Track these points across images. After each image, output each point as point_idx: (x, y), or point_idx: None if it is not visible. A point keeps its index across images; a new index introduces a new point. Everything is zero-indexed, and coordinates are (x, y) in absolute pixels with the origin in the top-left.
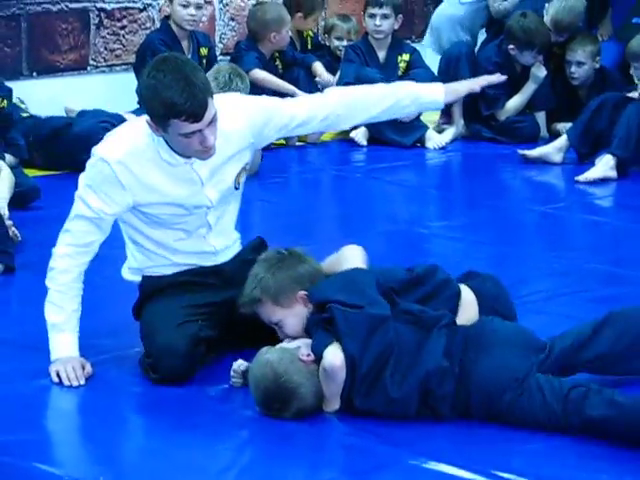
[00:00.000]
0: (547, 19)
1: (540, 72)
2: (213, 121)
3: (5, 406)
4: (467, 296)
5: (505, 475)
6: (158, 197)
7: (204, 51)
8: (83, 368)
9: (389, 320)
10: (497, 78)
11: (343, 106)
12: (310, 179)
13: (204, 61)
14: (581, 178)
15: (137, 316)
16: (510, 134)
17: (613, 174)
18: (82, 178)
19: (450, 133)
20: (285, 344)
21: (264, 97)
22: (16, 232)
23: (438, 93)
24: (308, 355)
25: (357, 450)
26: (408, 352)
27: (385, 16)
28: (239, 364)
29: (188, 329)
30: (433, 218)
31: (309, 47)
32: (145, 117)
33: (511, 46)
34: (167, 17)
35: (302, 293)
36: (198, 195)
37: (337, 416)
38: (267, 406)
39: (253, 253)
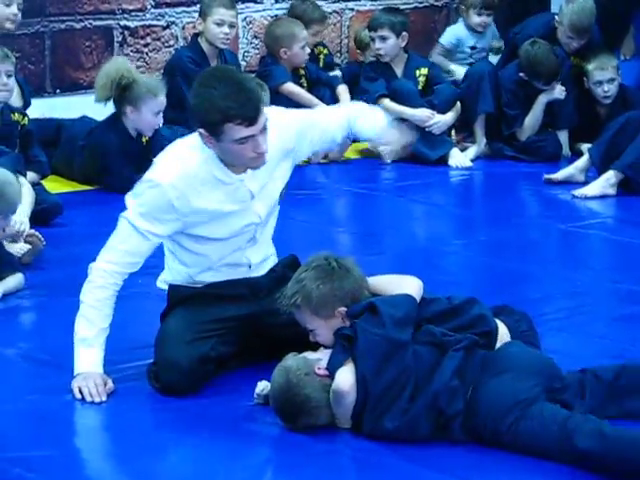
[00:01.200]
0: (564, 26)
1: (550, 95)
2: (265, 128)
3: (28, 422)
4: (502, 333)
5: None
6: (210, 217)
7: None
8: (105, 384)
9: (408, 345)
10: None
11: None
12: (334, 197)
13: None
14: (577, 193)
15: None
16: (532, 153)
17: (612, 191)
18: (132, 201)
19: (472, 151)
20: (308, 354)
21: (298, 111)
22: (40, 237)
23: (378, 129)
24: (320, 368)
25: (372, 466)
26: (424, 375)
27: (383, 38)
28: (262, 388)
29: (198, 348)
30: (456, 236)
31: (321, 66)
32: (194, 135)
33: (521, 73)
34: (197, 34)
35: (342, 309)
36: (248, 211)
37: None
38: (278, 414)
39: (285, 269)
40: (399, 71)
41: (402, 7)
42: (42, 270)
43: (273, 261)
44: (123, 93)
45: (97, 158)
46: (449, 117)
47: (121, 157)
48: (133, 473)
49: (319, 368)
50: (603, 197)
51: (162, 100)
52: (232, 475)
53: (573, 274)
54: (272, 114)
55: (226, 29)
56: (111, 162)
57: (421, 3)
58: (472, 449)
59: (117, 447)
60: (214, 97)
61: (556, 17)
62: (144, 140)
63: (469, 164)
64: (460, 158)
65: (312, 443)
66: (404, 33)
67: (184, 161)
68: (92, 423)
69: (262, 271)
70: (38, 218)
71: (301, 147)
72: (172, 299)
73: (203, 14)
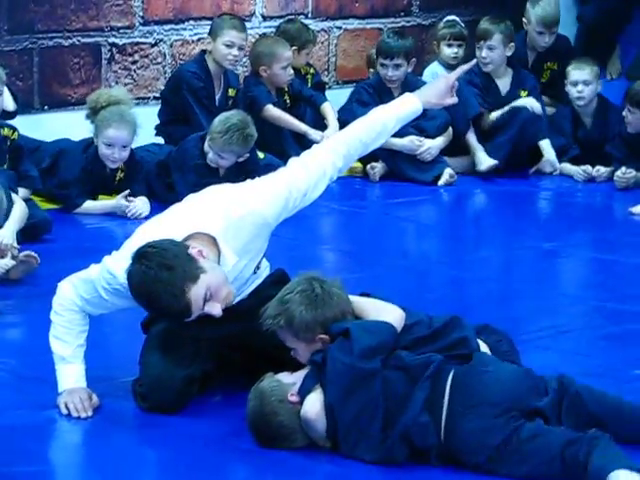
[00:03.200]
0: (533, 23)
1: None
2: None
3: (13, 437)
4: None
5: None
6: None
7: (232, 92)
8: (90, 399)
9: (376, 374)
10: (469, 66)
11: (342, 159)
12: (320, 214)
13: (230, 102)
14: (636, 210)
15: (146, 332)
16: None
17: None
18: (99, 273)
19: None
20: (284, 376)
21: (275, 186)
22: (36, 257)
23: (414, 103)
24: (295, 397)
25: None
26: (395, 404)
27: (397, 66)
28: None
29: (183, 369)
30: (441, 254)
31: (309, 86)
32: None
33: None
34: (204, 51)
35: (324, 337)
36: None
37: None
38: (254, 437)
39: (273, 287)
40: (397, 93)
41: (390, 26)
42: (31, 285)
43: (260, 280)
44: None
45: (58, 170)
46: (439, 141)
47: (78, 177)
48: None
49: (292, 395)
50: None
51: (114, 133)
52: None
53: (559, 292)
54: (247, 209)
55: (235, 51)
56: (64, 175)
57: (409, 22)
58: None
59: (102, 463)
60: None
61: (524, 20)
62: (120, 167)
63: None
64: (448, 176)
65: (293, 459)
66: (413, 59)
67: None
68: (77, 439)
69: (245, 295)
70: (28, 233)
71: (281, 218)
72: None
73: (214, 34)
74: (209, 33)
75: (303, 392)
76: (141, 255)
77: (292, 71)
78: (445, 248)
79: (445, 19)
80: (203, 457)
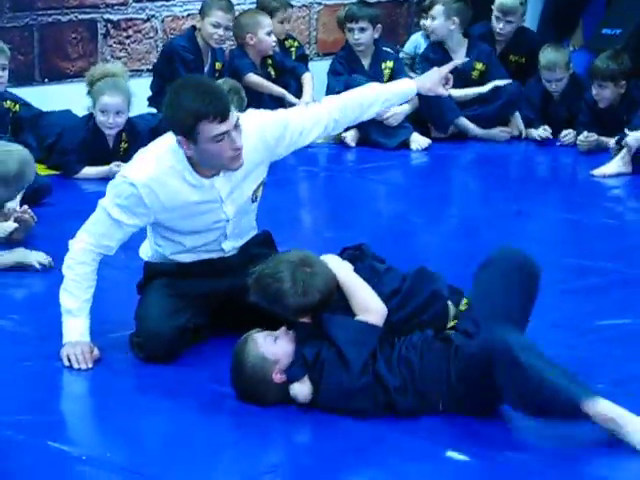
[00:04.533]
0: (494, 8)
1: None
2: (238, 126)
3: (19, 387)
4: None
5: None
6: (179, 216)
7: (219, 66)
8: (91, 352)
9: (368, 391)
10: (460, 62)
11: (339, 112)
12: (300, 178)
13: (217, 75)
14: (597, 172)
15: (141, 293)
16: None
17: (628, 169)
18: (110, 192)
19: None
20: (267, 345)
21: (275, 113)
22: (32, 214)
23: (410, 83)
24: (280, 376)
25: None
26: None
27: (362, 29)
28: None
29: (177, 320)
30: (415, 214)
31: (294, 59)
32: (170, 139)
33: None
34: (193, 27)
35: (305, 320)
36: (217, 211)
37: None
38: (244, 397)
39: (259, 247)
40: (366, 63)
41: (369, 1)
42: (33, 246)
43: (253, 233)
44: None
45: (61, 140)
46: (405, 108)
47: (77, 146)
48: (116, 435)
49: (276, 374)
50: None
51: (107, 100)
52: (209, 434)
53: (525, 249)
54: (250, 117)
55: (221, 31)
56: (65, 144)
57: None
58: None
59: (102, 411)
60: (183, 102)
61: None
62: (122, 138)
63: (428, 143)
64: (421, 140)
65: (278, 412)
66: (378, 25)
67: (157, 163)
68: (79, 388)
69: (236, 251)
70: (29, 198)
71: (278, 149)
72: (147, 273)
73: (202, 13)
74: (199, 12)
75: (291, 377)
76: None
77: (222, 32)
78: (417, 209)
79: None
80: (193, 404)
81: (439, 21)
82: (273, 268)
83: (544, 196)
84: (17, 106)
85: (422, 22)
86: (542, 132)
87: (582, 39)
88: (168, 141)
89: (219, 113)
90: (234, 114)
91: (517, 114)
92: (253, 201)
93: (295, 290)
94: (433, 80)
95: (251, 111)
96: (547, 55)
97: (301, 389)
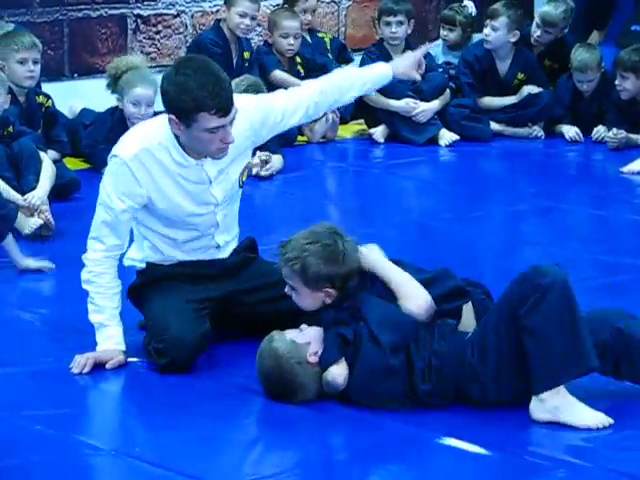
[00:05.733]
0: (536, 19)
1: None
2: (233, 119)
3: (47, 382)
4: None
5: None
6: (167, 196)
7: (247, 55)
8: (106, 361)
9: (399, 373)
10: (433, 44)
11: (319, 95)
12: (330, 174)
13: (246, 64)
14: (626, 169)
15: (134, 299)
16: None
17: None
18: (103, 180)
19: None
20: (295, 335)
21: (260, 97)
22: (51, 220)
23: (385, 68)
24: (315, 355)
25: (362, 428)
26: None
27: (400, 23)
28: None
29: (200, 326)
30: (444, 211)
31: (329, 50)
32: (160, 118)
33: None
34: (219, 20)
35: (332, 291)
36: (205, 193)
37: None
38: (274, 396)
39: (248, 251)
40: (397, 58)
41: None
42: (61, 241)
43: (236, 242)
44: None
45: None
46: (435, 104)
47: (105, 137)
48: (145, 430)
49: (311, 355)
50: None
51: (140, 92)
52: (233, 430)
53: (556, 246)
54: (237, 101)
55: (247, 21)
56: (93, 136)
57: None
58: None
59: (130, 406)
60: (190, 85)
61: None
62: None
63: (456, 138)
64: (448, 136)
65: (303, 411)
66: (412, 20)
67: (146, 137)
68: (107, 384)
69: (228, 251)
70: (58, 192)
71: (263, 131)
72: (148, 277)
73: (228, 3)
74: (224, 2)
75: (326, 361)
76: None
77: (293, 41)
78: (446, 205)
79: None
80: (219, 402)
81: (501, 32)
82: (305, 237)
83: (573, 193)
84: (49, 101)
85: (442, 32)
86: (574, 134)
87: (608, 33)
88: (156, 120)
89: (222, 108)
90: (235, 108)
91: None
92: (240, 186)
93: (326, 257)
94: (407, 65)
95: (238, 95)
96: (579, 56)
97: (339, 371)
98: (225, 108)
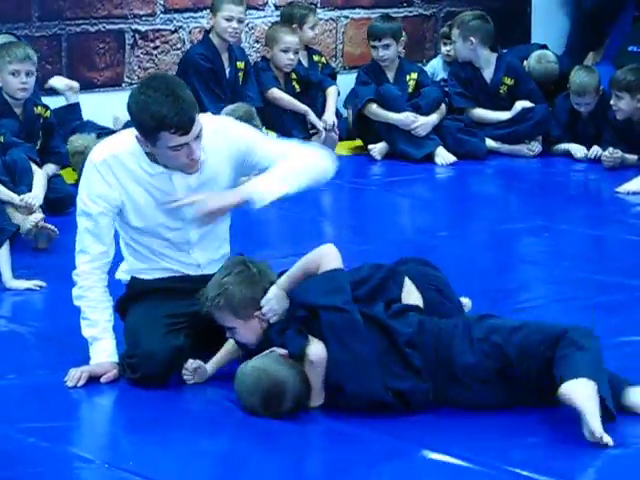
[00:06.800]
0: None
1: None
2: (199, 136)
3: (40, 395)
4: (407, 283)
5: (505, 467)
6: (137, 203)
7: (241, 65)
8: (100, 375)
9: (366, 326)
10: None
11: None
12: (327, 190)
13: (240, 74)
14: (621, 189)
15: (121, 311)
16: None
17: None
18: (80, 192)
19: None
20: (259, 355)
21: (246, 130)
22: (52, 227)
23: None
24: (284, 353)
25: (344, 440)
26: (384, 359)
27: (386, 46)
28: (191, 363)
29: (172, 339)
30: (440, 228)
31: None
32: (133, 132)
33: None
34: (207, 32)
35: (259, 313)
36: (174, 210)
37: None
38: (266, 406)
39: None
40: (391, 75)
41: (394, 15)
42: (56, 254)
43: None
44: None
45: None
46: (433, 118)
47: None
48: (139, 444)
49: (281, 352)
50: None
51: None
52: (218, 444)
53: (550, 265)
54: (222, 121)
55: (234, 24)
56: None
57: (411, 12)
58: (440, 418)
59: (123, 420)
60: (149, 104)
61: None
62: None
63: (453, 159)
64: (445, 156)
65: (284, 424)
66: (402, 39)
67: (116, 144)
68: (101, 397)
69: (214, 269)
70: (54, 207)
71: (240, 166)
72: (132, 291)
73: (214, 10)
74: (210, 10)
75: (296, 348)
76: None
77: (292, 56)
78: (442, 223)
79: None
80: (210, 418)
81: (458, 44)
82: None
83: (568, 212)
84: (48, 112)
85: (443, 48)
86: (582, 155)
87: (603, 53)
88: (130, 131)
89: (182, 127)
90: (198, 125)
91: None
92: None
93: (245, 282)
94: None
95: (224, 117)
96: (578, 79)
97: (315, 346)
98: (185, 127)
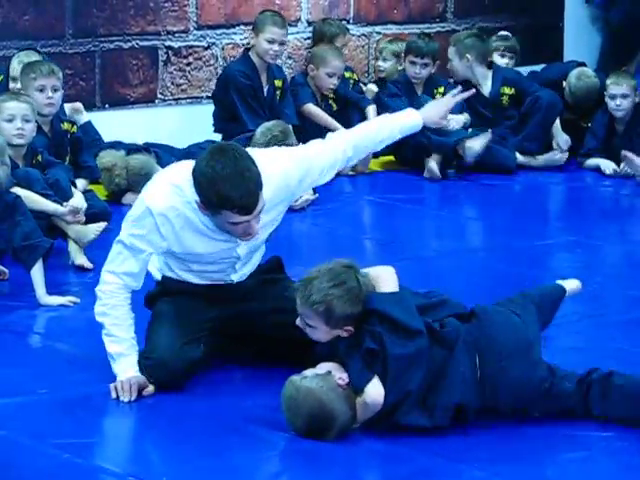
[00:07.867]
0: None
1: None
2: (260, 211)
3: (76, 410)
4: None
5: None
6: (187, 246)
7: (279, 83)
8: (142, 388)
9: (426, 351)
10: (468, 93)
11: (352, 149)
12: (360, 206)
13: (278, 92)
14: None
15: (149, 306)
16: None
17: None
18: (127, 220)
19: None
20: (316, 370)
21: (297, 155)
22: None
23: (416, 118)
24: (343, 379)
25: (393, 458)
26: (436, 373)
27: (425, 65)
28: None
29: (189, 351)
30: (476, 244)
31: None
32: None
33: None
34: (247, 48)
35: (350, 328)
36: (229, 250)
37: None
38: (308, 432)
39: (269, 273)
40: (419, 90)
41: (426, 31)
42: (92, 271)
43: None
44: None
45: None
46: (463, 116)
47: None
48: (169, 459)
49: (340, 379)
50: None
51: None
52: (258, 463)
53: (585, 281)
54: (275, 164)
55: (276, 47)
56: None
57: (443, 27)
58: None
59: (151, 434)
60: (216, 180)
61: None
62: None
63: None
64: (479, 143)
65: (325, 445)
66: (437, 62)
67: (176, 194)
68: (129, 412)
69: (244, 277)
70: (88, 222)
71: (298, 190)
72: (162, 288)
73: (256, 30)
74: (252, 29)
75: (359, 382)
76: None
77: (336, 81)
78: (476, 238)
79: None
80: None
81: (455, 62)
82: (328, 279)
83: (600, 227)
84: (74, 127)
85: (501, 61)
86: (612, 171)
87: (636, 67)
88: (189, 172)
89: (245, 209)
90: (261, 204)
91: (557, 126)
92: (266, 241)
93: (350, 300)
94: (439, 113)
95: (275, 154)
96: (613, 77)
97: (375, 389)
98: (249, 208)
